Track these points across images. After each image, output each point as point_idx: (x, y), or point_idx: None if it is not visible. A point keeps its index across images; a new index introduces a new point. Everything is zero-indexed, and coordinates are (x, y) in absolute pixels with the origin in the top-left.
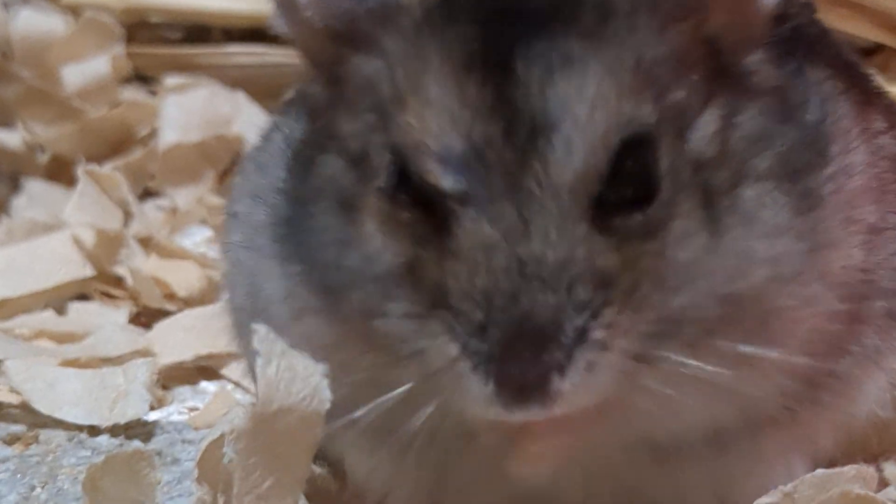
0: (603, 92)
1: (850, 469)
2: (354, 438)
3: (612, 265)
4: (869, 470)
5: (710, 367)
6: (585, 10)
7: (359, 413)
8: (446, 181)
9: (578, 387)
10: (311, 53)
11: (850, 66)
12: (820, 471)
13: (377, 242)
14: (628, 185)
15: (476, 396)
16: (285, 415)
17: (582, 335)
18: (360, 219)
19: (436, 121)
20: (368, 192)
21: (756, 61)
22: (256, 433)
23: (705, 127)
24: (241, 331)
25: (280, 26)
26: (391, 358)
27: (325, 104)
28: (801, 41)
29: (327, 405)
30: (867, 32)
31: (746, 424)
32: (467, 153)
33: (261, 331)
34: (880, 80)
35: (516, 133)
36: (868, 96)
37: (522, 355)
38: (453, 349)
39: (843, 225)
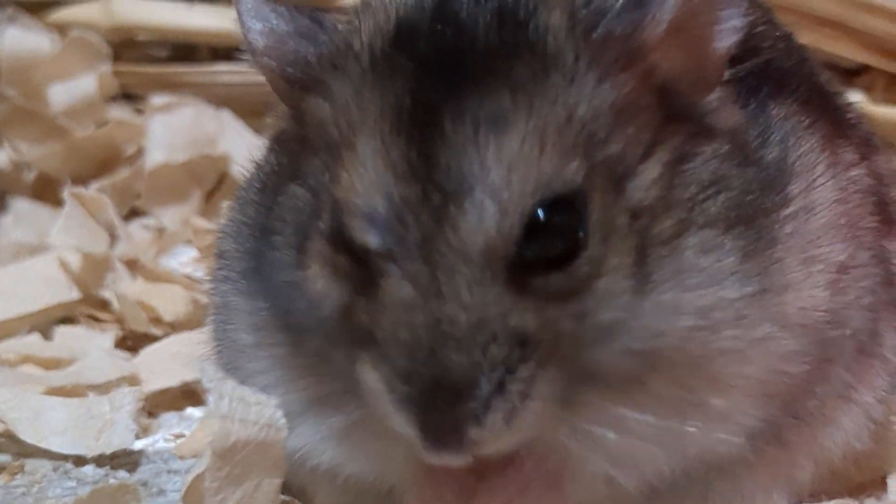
0: (524, 153)
1: None
2: (321, 481)
3: (527, 324)
4: None
5: (635, 414)
6: (524, 62)
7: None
8: (371, 240)
9: (497, 434)
10: (277, 92)
11: (823, 97)
12: None
13: (319, 286)
14: (552, 245)
15: (403, 432)
16: (244, 447)
17: (498, 387)
18: (307, 260)
19: (363, 180)
20: (315, 232)
21: (713, 101)
22: (219, 467)
23: (646, 175)
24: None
25: (248, 64)
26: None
27: (293, 139)
28: (769, 76)
29: (285, 432)
30: (853, 53)
31: (713, 466)
32: (389, 214)
33: (208, 370)
34: (865, 102)
35: (432, 195)
36: (840, 129)
37: (439, 407)
38: (380, 383)
39: (801, 266)
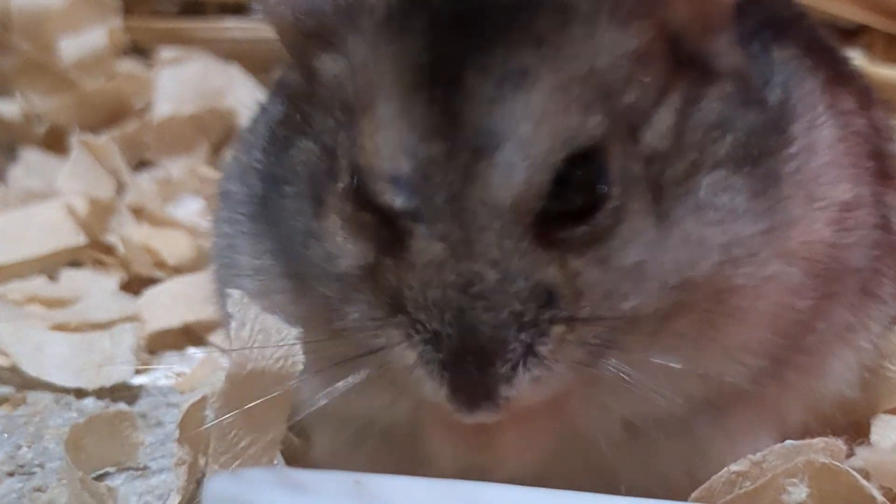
0: (551, 108)
1: (818, 441)
2: (319, 419)
3: (555, 279)
4: (837, 442)
5: (659, 360)
6: (543, 15)
7: (319, 397)
8: (397, 200)
9: (526, 392)
10: (287, 45)
11: (823, 48)
12: (789, 442)
13: (339, 241)
14: (574, 198)
15: (433, 398)
16: (259, 376)
17: (527, 350)
18: (326, 212)
19: (385, 142)
20: (334, 187)
21: (718, 45)
22: (231, 394)
23: (660, 122)
24: (221, 298)
25: (259, 16)
26: (351, 348)
27: (302, 93)
28: (771, 22)
29: (300, 367)
30: (851, 13)
31: (714, 402)
32: (415, 174)
33: (235, 295)
34: (865, 62)
35: (459, 152)
36: (839, 77)
37: (470, 367)
38: (411, 356)
39: (805, 202)
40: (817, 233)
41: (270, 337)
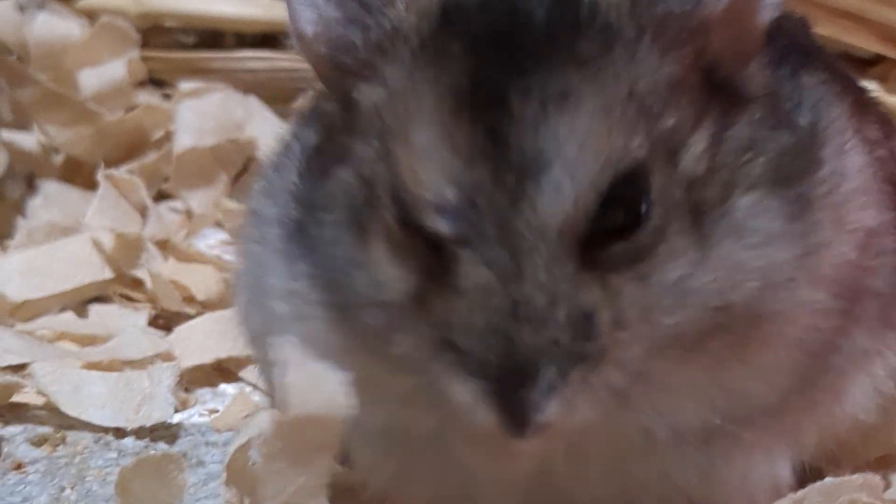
0: (595, 129)
1: (857, 477)
2: (363, 438)
3: (598, 300)
4: (875, 478)
5: (699, 375)
6: (587, 38)
7: (365, 416)
8: (442, 227)
9: (564, 417)
10: (323, 78)
11: (845, 76)
12: (828, 479)
13: (387, 270)
14: (618, 219)
15: (484, 426)
16: (306, 422)
17: (565, 374)
18: (370, 241)
19: (427, 170)
20: (377, 216)
21: (750, 70)
22: (279, 440)
23: (696, 146)
24: (252, 335)
25: (295, 50)
26: (397, 378)
27: (341, 124)
28: (796, 49)
29: (346, 411)
30: (867, 43)
31: (734, 418)
32: (460, 199)
33: (279, 340)
34: (880, 92)
35: (505, 176)
36: (863, 104)
37: (512, 393)
38: (461, 389)
39: (835, 226)
40: (845, 255)
41: (316, 382)
